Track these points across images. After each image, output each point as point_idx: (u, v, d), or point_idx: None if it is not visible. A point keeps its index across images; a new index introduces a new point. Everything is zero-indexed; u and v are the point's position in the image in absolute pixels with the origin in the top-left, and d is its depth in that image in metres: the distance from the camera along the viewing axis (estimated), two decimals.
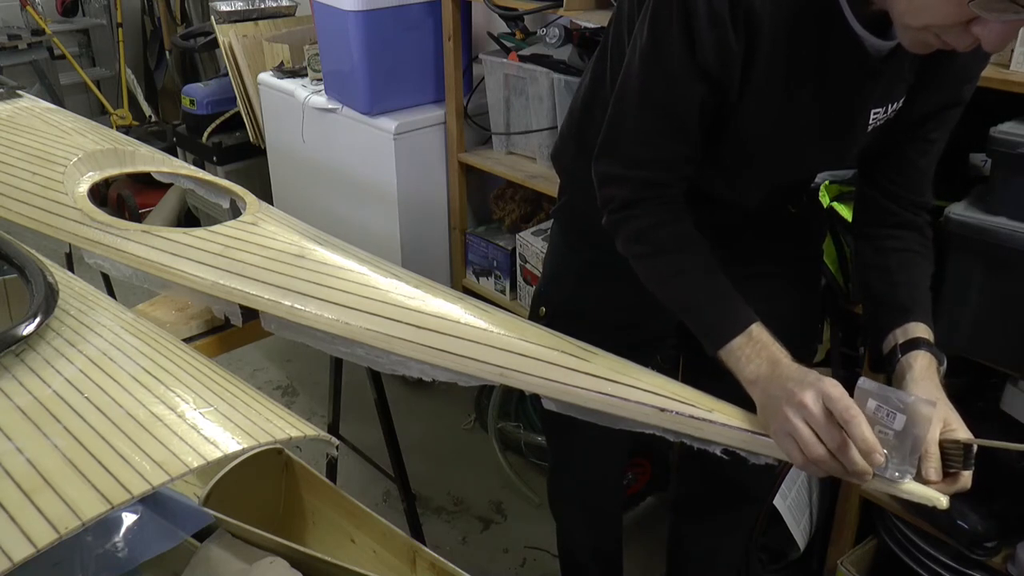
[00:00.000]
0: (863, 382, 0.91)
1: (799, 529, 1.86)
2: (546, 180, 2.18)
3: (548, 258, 1.58)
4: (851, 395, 0.92)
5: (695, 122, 1.07)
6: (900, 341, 1.10)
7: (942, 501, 0.91)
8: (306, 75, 2.77)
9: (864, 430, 0.89)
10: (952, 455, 0.93)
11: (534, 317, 1.48)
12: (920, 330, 1.11)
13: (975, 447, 0.92)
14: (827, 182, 1.64)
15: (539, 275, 2.04)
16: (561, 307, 1.45)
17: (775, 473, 0.95)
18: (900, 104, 1.13)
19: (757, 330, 1.03)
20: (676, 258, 1.10)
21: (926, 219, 1.22)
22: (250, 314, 1.23)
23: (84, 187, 1.44)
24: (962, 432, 0.96)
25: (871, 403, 0.90)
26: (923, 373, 1.05)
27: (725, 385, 1.04)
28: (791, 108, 1.08)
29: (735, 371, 1.03)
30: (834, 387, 0.92)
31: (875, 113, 1.11)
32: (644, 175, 1.11)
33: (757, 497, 1.66)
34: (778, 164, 1.21)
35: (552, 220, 1.55)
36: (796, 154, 1.19)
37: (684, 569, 1.73)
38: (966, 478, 0.94)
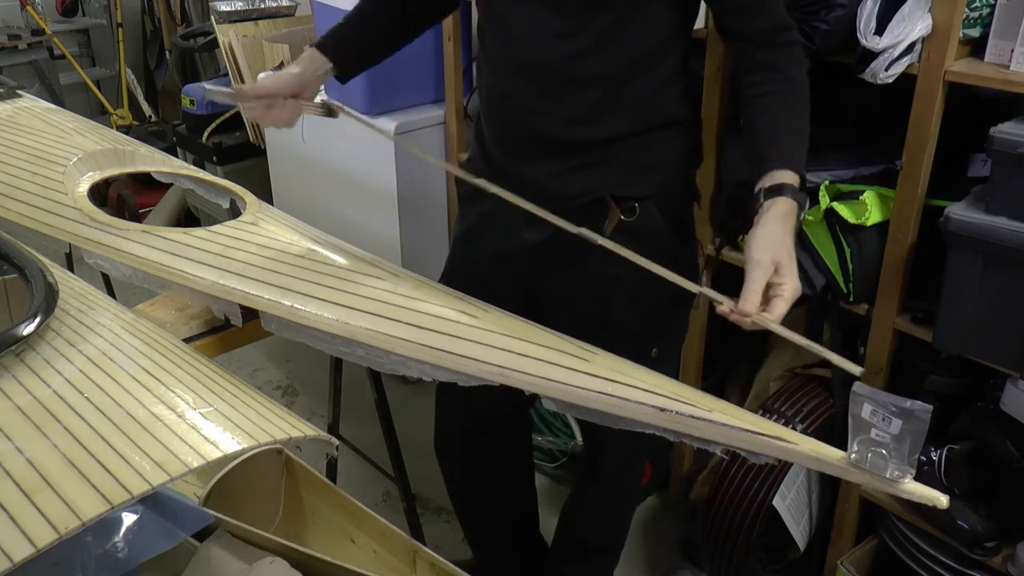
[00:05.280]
0: (858, 387, 0.91)
1: (799, 529, 1.86)
2: None
3: None
4: (848, 399, 0.92)
5: None
6: (765, 187, 1.16)
7: (942, 501, 0.92)
8: None
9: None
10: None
11: None
12: (781, 176, 1.16)
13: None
14: (827, 182, 1.64)
15: None
16: (454, 241, 1.61)
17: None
18: None
19: (310, 50, 1.42)
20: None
21: (784, 51, 1.23)
22: (250, 314, 1.22)
23: (84, 187, 1.44)
24: (788, 283, 1.05)
25: (867, 407, 0.90)
26: (774, 216, 1.12)
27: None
28: None
29: None
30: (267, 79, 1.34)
31: None
32: None
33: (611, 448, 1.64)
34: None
35: None
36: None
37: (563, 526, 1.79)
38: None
